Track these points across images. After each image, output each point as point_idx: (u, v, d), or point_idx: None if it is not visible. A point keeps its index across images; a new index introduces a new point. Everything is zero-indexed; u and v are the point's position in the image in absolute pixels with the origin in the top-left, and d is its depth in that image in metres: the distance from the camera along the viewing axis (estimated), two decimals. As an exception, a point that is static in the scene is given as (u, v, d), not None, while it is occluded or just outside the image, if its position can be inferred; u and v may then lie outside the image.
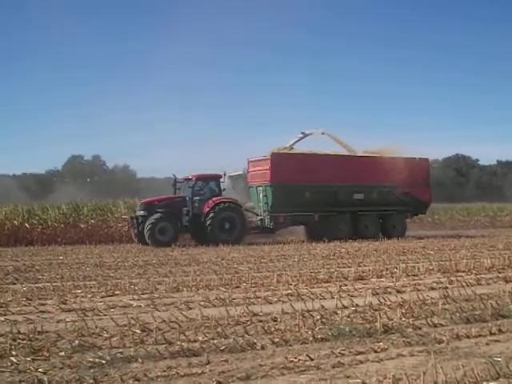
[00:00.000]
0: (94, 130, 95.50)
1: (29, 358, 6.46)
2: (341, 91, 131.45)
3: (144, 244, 23.95)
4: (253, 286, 11.84)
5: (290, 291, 10.97)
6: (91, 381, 5.67)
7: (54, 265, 16.22)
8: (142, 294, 10.94)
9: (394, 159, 27.69)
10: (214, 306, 9.63)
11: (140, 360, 6.37)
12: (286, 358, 6.46)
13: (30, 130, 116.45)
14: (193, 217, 25.15)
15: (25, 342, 7.17)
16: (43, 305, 9.88)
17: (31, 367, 6.14)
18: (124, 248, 22.50)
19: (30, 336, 7.41)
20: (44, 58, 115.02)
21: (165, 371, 5.98)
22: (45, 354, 6.64)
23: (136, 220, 25.11)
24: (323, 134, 29.71)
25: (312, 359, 6.39)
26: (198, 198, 25.43)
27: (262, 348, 6.92)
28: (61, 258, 18.37)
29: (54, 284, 12.10)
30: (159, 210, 24.46)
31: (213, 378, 5.75)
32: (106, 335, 7.50)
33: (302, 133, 29.76)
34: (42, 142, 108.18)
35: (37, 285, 12.15)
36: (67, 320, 8.37)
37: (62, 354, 6.65)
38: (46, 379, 5.68)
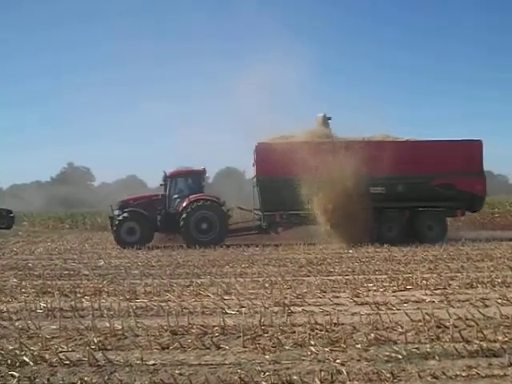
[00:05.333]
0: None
1: (327, 349, 6.70)
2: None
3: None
4: (555, 284, 11.00)
5: None
6: (388, 375, 5.69)
7: (344, 258, 16.58)
8: (435, 289, 10.73)
9: (428, 142, 22.61)
10: (513, 304, 9.13)
11: (437, 357, 6.25)
12: None
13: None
14: (168, 216, 23.37)
15: (322, 332, 7.45)
16: (337, 297, 10.16)
17: (329, 358, 6.37)
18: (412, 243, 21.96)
19: (327, 327, 7.67)
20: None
21: (464, 370, 5.80)
22: (342, 345, 6.83)
23: (110, 220, 24.26)
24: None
25: None
26: (176, 195, 23.81)
27: None
28: (350, 251, 18.75)
29: (345, 277, 12.39)
30: (126, 210, 23.23)
31: (516, 382, 5.43)
32: (400, 330, 7.48)
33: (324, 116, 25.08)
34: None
35: (329, 277, 12.55)
36: (361, 313, 8.52)
37: (359, 346, 6.78)
38: (344, 370, 5.83)
